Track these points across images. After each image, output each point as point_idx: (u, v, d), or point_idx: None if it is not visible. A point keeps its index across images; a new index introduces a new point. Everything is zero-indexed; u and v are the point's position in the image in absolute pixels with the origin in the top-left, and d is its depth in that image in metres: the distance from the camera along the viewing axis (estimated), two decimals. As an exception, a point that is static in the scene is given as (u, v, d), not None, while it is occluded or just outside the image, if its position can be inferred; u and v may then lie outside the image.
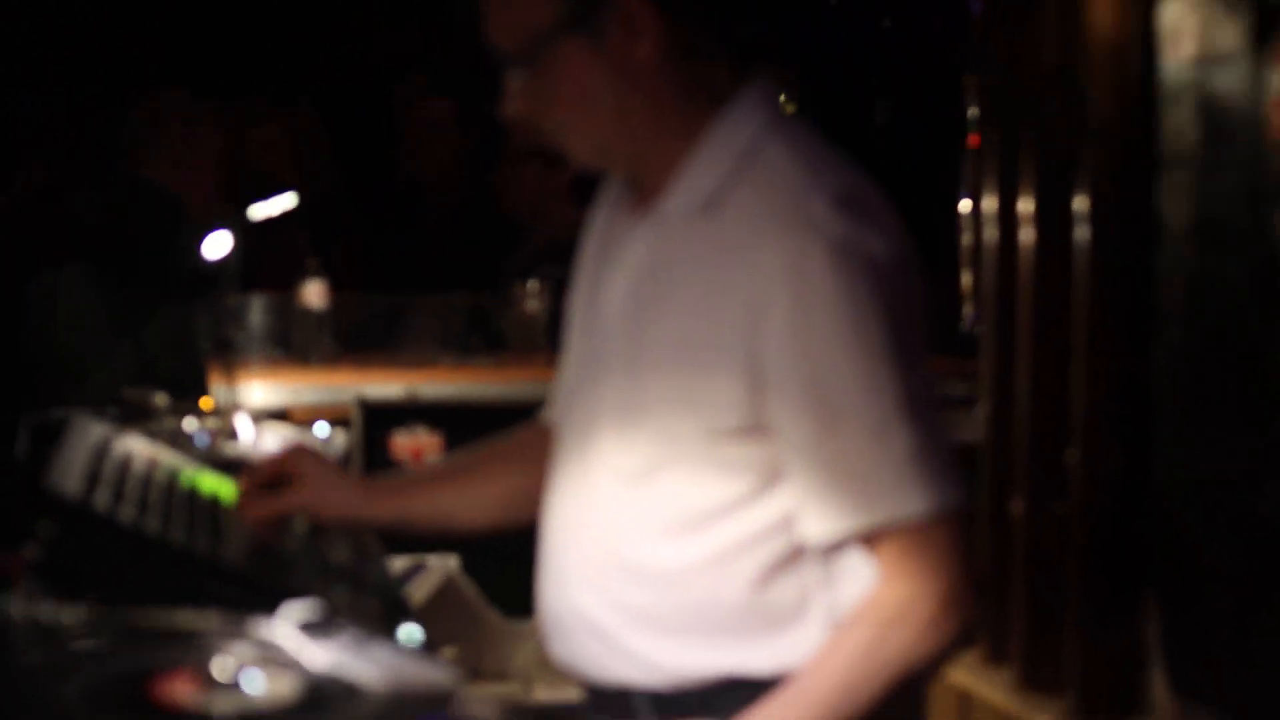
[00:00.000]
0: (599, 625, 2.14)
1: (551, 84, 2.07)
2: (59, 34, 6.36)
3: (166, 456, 2.47)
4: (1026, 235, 2.82)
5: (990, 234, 2.92)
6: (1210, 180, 2.71)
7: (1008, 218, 2.89)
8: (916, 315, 2.02)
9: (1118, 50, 2.74)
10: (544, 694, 3.91)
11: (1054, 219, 2.80)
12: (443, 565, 3.74)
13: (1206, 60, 2.69)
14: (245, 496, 2.33)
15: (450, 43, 7.88)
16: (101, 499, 2.07)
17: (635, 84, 2.06)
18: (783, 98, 2.46)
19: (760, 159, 2.06)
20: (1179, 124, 2.72)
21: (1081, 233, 2.75)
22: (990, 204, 2.91)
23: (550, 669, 3.70)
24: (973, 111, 4.80)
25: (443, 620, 3.64)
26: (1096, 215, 2.72)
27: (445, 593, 3.74)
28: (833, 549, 2.05)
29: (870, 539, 2.02)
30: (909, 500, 1.99)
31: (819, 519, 2.01)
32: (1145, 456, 2.74)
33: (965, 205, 4.90)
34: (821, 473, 2.01)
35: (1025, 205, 2.84)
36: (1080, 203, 2.76)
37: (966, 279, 4.91)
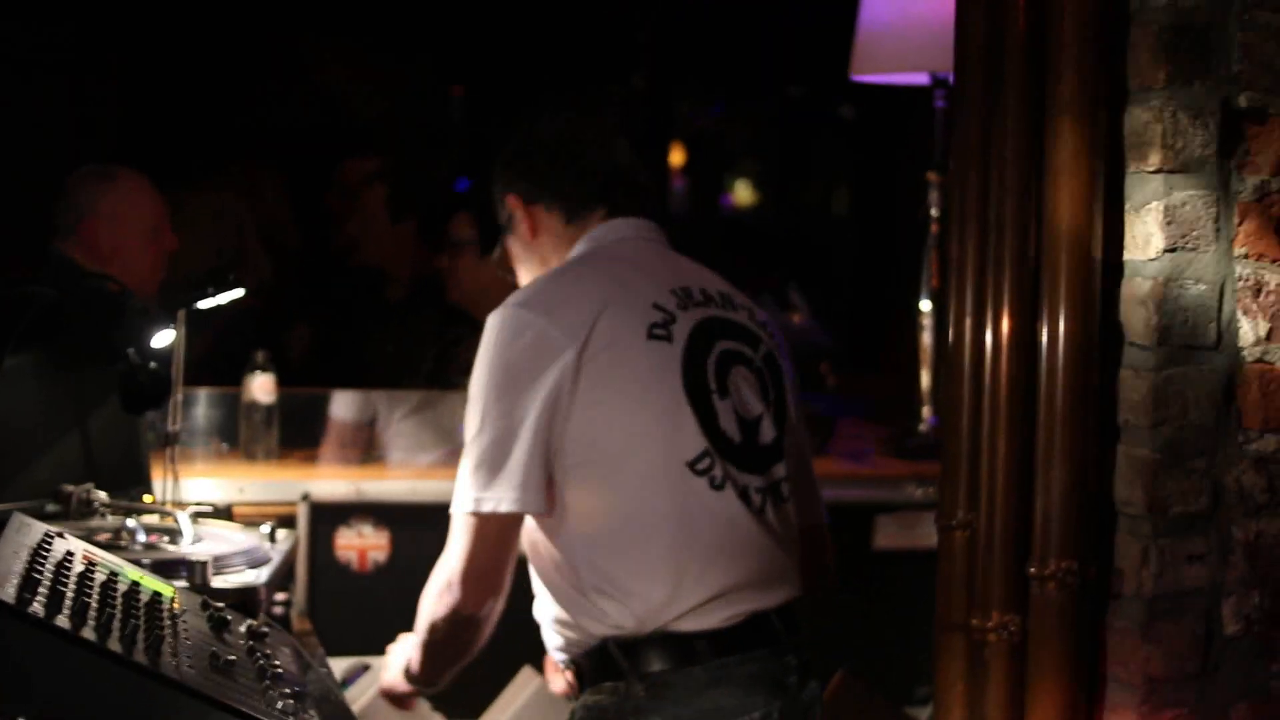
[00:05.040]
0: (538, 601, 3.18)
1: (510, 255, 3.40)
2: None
3: (106, 558, 2.42)
4: (991, 340, 2.78)
5: (952, 336, 2.88)
6: (1175, 290, 2.68)
7: (972, 321, 2.84)
8: (547, 370, 2.98)
9: (1082, 159, 2.71)
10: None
11: (1018, 326, 2.76)
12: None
13: (1172, 168, 2.67)
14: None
15: (400, 126, 7.88)
16: (37, 604, 2.00)
17: (535, 250, 3.31)
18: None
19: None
20: (1145, 232, 2.70)
21: (1047, 341, 2.72)
22: (954, 308, 2.87)
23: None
24: (935, 211, 4.80)
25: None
26: (1064, 325, 2.70)
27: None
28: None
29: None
30: (459, 498, 3.04)
31: None
32: (1109, 569, 2.71)
33: (925, 304, 4.87)
34: None
35: (992, 311, 2.80)
36: (1048, 312, 2.73)
37: (925, 379, 4.87)
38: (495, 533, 3.05)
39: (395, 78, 8.05)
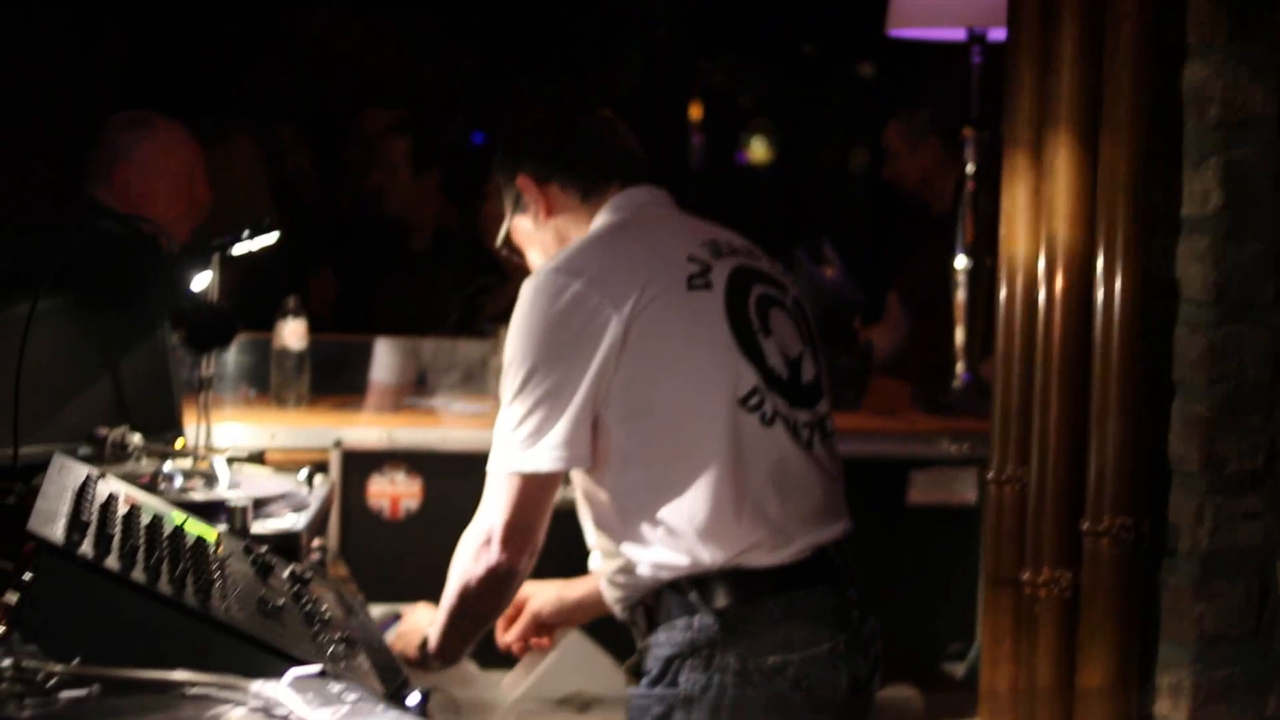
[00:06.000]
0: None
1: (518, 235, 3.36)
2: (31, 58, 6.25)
3: (149, 500, 2.39)
4: (1045, 296, 2.76)
5: (1004, 293, 2.85)
6: (1233, 247, 2.66)
7: (1024, 277, 2.82)
8: (590, 333, 2.99)
9: (1141, 115, 2.68)
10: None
11: (1073, 282, 2.74)
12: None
13: (1231, 123, 2.64)
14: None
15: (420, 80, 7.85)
16: (87, 546, 1.98)
17: (550, 229, 3.27)
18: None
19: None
20: (1203, 188, 2.67)
21: (1103, 296, 2.69)
22: (1005, 264, 2.84)
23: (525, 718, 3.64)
24: (970, 167, 4.76)
25: (418, 671, 3.57)
26: (1120, 281, 2.67)
27: (422, 644, 3.67)
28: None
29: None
30: (497, 456, 3.05)
31: None
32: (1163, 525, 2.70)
33: (960, 261, 4.83)
34: None
35: (1045, 267, 2.77)
36: (1103, 267, 2.70)
37: (960, 335, 4.84)
38: (537, 490, 3.07)
39: (409, 32, 8.02)
